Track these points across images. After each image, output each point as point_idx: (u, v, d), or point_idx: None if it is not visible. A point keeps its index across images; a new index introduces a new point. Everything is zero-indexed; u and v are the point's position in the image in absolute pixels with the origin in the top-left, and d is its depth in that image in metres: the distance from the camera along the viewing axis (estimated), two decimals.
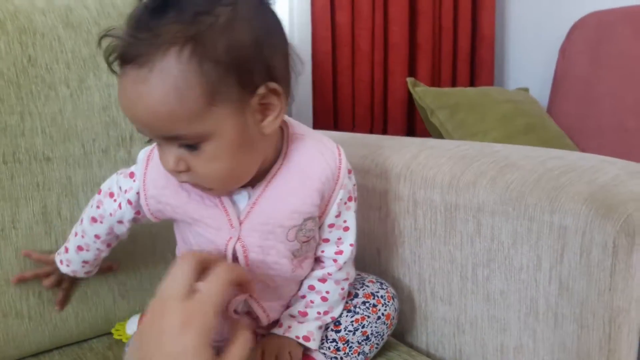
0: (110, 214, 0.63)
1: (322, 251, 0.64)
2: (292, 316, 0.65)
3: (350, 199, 0.63)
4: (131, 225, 0.65)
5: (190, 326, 0.43)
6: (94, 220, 0.64)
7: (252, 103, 0.51)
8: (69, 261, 0.69)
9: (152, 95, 0.47)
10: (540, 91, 1.74)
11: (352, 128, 1.53)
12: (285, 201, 0.58)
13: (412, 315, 0.77)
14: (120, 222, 0.64)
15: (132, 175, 0.62)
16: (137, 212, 0.62)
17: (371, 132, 1.56)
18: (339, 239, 0.64)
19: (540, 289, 0.61)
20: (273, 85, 0.51)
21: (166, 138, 0.50)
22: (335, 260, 0.64)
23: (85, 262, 0.68)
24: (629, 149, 1.39)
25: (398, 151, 0.79)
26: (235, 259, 0.59)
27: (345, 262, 0.64)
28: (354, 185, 0.64)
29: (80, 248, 0.67)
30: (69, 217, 0.74)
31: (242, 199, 0.58)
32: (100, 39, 0.49)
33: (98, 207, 0.64)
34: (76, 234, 0.67)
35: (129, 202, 0.61)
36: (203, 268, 0.48)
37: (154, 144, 0.60)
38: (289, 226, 0.58)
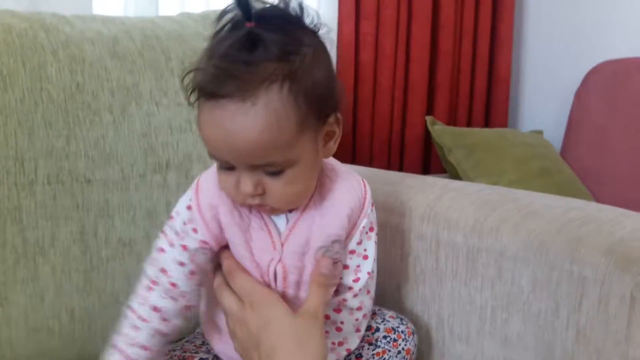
0: (173, 259, 0.61)
1: (340, 278, 0.66)
2: None
3: (371, 229, 0.67)
4: (192, 267, 0.61)
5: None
6: (150, 287, 0.61)
7: (322, 130, 0.57)
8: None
9: (255, 126, 0.50)
10: (554, 134, 1.77)
11: (370, 163, 1.56)
12: (319, 224, 0.61)
13: (430, 352, 0.79)
14: (182, 263, 0.61)
15: (171, 218, 0.62)
16: (203, 242, 0.61)
17: (388, 166, 1.59)
18: (358, 266, 0.66)
19: (558, 335, 0.63)
20: (339, 115, 0.58)
21: (255, 166, 0.53)
22: (350, 288, 0.66)
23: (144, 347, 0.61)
24: None
25: (421, 191, 0.82)
26: (274, 280, 0.61)
27: (360, 290, 0.66)
28: (376, 219, 0.68)
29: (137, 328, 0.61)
30: (104, 238, 0.77)
31: (281, 222, 0.61)
32: (185, 75, 0.52)
33: (152, 265, 0.62)
34: (135, 327, 0.61)
35: (194, 230, 0.60)
36: None
37: (197, 179, 0.62)
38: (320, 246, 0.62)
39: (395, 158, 1.61)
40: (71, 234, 0.75)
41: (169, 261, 0.61)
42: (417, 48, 1.60)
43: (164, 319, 0.61)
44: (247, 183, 0.54)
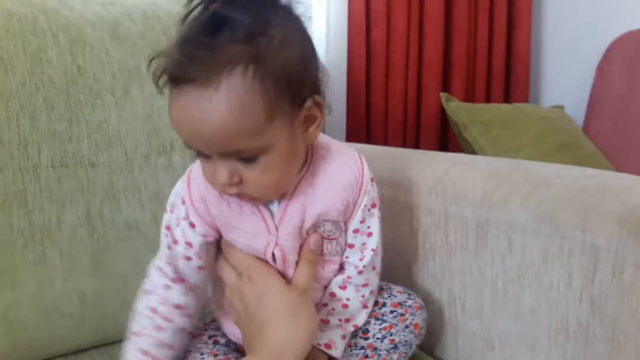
0: (180, 256, 0.62)
1: (347, 257, 0.66)
2: None
3: (373, 205, 0.65)
4: (202, 261, 0.62)
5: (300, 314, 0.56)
6: (169, 286, 0.62)
7: (300, 116, 0.54)
8: None
9: (219, 113, 0.48)
10: (576, 109, 1.72)
11: (385, 143, 1.54)
12: (310, 205, 0.60)
13: (442, 329, 0.77)
14: (189, 258, 0.62)
15: (167, 211, 0.63)
16: (204, 236, 0.61)
17: (404, 147, 1.57)
18: (363, 244, 0.65)
19: (571, 308, 0.61)
20: (318, 98, 0.54)
21: (225, 153, 0.52)
22: (356, 266, 0.66)
23: (171, 346, 0.63)
24: None
25: (429, 165, 0.80)
26: (274, 262, 0.61)
27: (365, 267, 0.66)
28: (378, 194, 0.66)
29: (159, 328, 0.62)
30: (111, 220, 0.78)
31: (274, 205, 0.60)
32: (151, 60, 0.50)
33: (169, 263, 0.62)
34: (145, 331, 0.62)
35: (192, 225, 0.61)
36: None
37: (189, 169, 0.62)
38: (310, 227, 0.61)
39: (410, 139, 1.58)
40: (77, 217, 0.76)
41: (179, 257, 0.62)
42: (430, 24, 1.56)
43: (187, 315, 0.63)
44: (222, 172, 0.52)
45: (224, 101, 0.48)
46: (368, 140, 1.53)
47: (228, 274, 0.61)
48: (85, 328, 0.77)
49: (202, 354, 0.64)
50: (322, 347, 0.64)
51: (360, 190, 0.63)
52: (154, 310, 0.62)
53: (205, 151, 0.53)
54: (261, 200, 0.59)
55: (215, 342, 0.67)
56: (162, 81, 0.51)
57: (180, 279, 0.62)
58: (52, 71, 0.75)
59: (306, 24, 0.55)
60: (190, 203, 0.60)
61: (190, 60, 0.48)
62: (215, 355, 0.64)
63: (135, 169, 0.80)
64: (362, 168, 0.63)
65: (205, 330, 0.69)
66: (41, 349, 0.75)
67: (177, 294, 0.62)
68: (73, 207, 0.75)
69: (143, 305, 0.62)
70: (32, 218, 0.72)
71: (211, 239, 0.62)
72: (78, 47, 0.78)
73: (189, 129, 0.50)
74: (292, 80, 0.51)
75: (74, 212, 0.75)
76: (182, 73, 0.49)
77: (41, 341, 0.75)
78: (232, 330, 0.67)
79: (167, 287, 0.62)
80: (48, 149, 0.74)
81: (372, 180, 0.64)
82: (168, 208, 0.63)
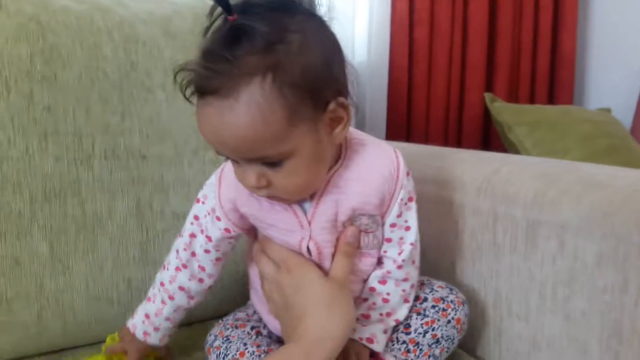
0: (200, 246, 0.66)
1: (385, 251, 0.66)
2: (356, 319, 0.66)
3: (410, 199, 0.65)
4: (218, 255, 0.67)
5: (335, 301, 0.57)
6: (180, 269, 0.68)
7: (324, 118, 0.53)
8: (157, 327, 0.70)
9: (240, 123, 0.49)
10: (624, 112, 1.68)
11: (425, 143, 1.53)
12: (344, 198, 0.61)
13: (486, 329, 0.76)
14: (207, 250, 0.66)
15: (198, 201, 0.67)
16: (226, 230, 0.64)
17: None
18: (401, 238, 0.65)
19: (626, 312, 0.59)
20: (342, 100, 0.54)
21: (250, 159, 0.53)
22: (395, 260, 0.66)
23: (167, 319, 0.70)
24: None
25: (477, 165, 0.79)
26: (309, 255, 0.62)
27: (404, 261, 0.66)
28: (414, 187, 0.66)
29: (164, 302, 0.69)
30: (159, 212, 0.80)
31: (306, 200, 0.61)
32: (176, 73, 0.51)
33: (185, 249, 0.67)
34: (162, 301, 0.69)
35: (218, 218, 0.64)
36: None
37: (223, 166, 0.64)
38: (345, 220, 0.62)
39: (452, 139, 1.57)
40: (127, 208, 0.78)
41: (198, 246, 0.67)
42: (474, 25, 1.55)
43: (189, 297, 0.69)
44: (250, 176, 0.54)
45: (244, 111, 0.49)
46: (408, 140, 1.52)
47: (266, 267, 0.62)
48: (130, 314, 0.79)
49: (245, 344, 0.65)
50: (364, 342, 0.64)
51: (396, 184, 0.62)
52: (163, 284, 0.69)
53: (232, 157, 0.54)
54: (290, 201, 0.59)
55: (258, 333, 0.68)
56: (189, 92, 0.52)
57: (189, 265, 0.67)
58: (106, 66, 0.77)
59: (328, 24, 0.54)
60: (218, 200, 0.63)
61: (212, 73, 0.49)
62: (259, 346, 0.64)
63: (185, 162, 0.81)
64: (398, 162, 0.63)
65: (248, 321, 0.70)
66: (89, 333, 0.77)
67: (183, 278, 0.68)
68: (124, 197, 0.77)
69: (159, 277, 0.70)
70: (84, 207, 0.75)
71: (234, 234, 0.65)
72: (131, 43, 0.80)
73: (214, 138, 0.52)
74: (312, 85, 0.51)
75: (124, 203, 0.77)
76: (204, 85, 0.50)
77: (90, 325, 0.77)
78: (273, 323, 0.68)
79: (177, 269, 0.68)
80: (101, 140, 0.76)
81: (408, 174, 0.64)
82: (200, 199, 0.67)
